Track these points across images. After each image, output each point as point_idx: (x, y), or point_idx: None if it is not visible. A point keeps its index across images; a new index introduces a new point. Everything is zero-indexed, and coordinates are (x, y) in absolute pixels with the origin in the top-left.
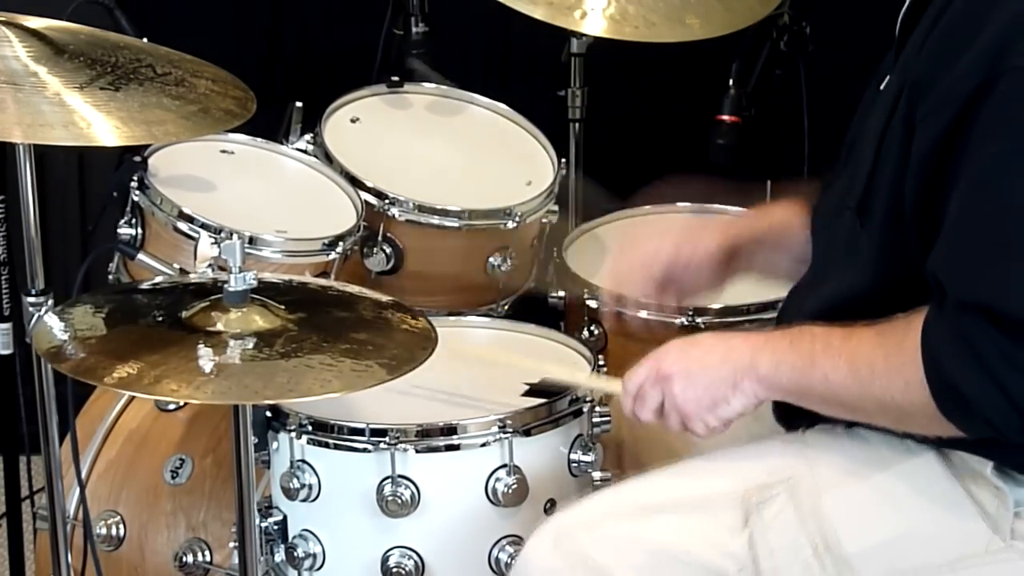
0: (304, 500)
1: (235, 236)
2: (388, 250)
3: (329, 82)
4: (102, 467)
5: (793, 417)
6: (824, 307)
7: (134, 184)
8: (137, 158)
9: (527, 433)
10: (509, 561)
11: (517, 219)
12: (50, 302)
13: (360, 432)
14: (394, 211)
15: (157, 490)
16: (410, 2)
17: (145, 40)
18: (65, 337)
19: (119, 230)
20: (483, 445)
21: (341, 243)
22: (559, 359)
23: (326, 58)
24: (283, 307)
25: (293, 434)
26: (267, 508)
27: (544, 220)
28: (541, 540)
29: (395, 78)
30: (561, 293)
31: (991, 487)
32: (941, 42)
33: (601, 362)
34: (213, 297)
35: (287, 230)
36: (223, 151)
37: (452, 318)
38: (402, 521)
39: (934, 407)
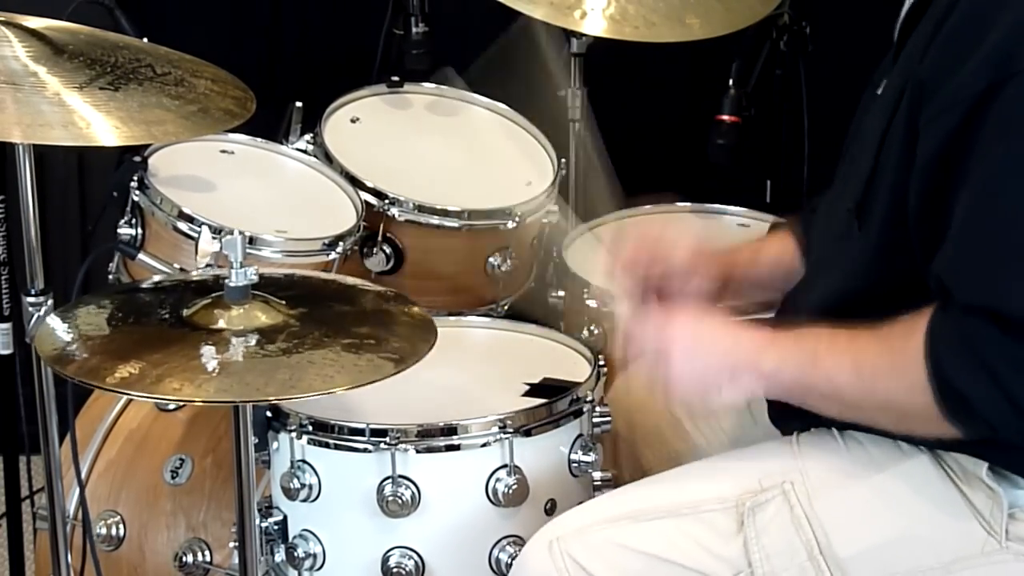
0: (304, 500)
1: (236, 232)
2: (388, 250)
3: (329, 82)
4: (102, 467)
5: (788, 420)
6: (820, 306)
7: (134, 184)
8: (137, 158)
9: (527, 433)
10: (509, 561)
11: (517, 219)
12: (50, 302)
13: (360, 432)
14: (394, 211)
15: (157, 490)
16: (410, 2)
17: (145, 40)
18: (68, 339)
19: (119, 230)
20: (483, 445)
21: (341, 243)
22: (558, 360)
23: (326, 58)
24: (284, 303)
25: (293, 434)
26: (267, 508)
27: (544, 220)
28: (536, 545)
29: (395, 78)
30: (561, 293)
31: (985, 488)
32: (946, 46)
33: (601, 362)
34: (214, 295)
35: (287, 230)
36: (223, 151)
37: (452, 318)
38: (402, 521)
39: (936, 410)
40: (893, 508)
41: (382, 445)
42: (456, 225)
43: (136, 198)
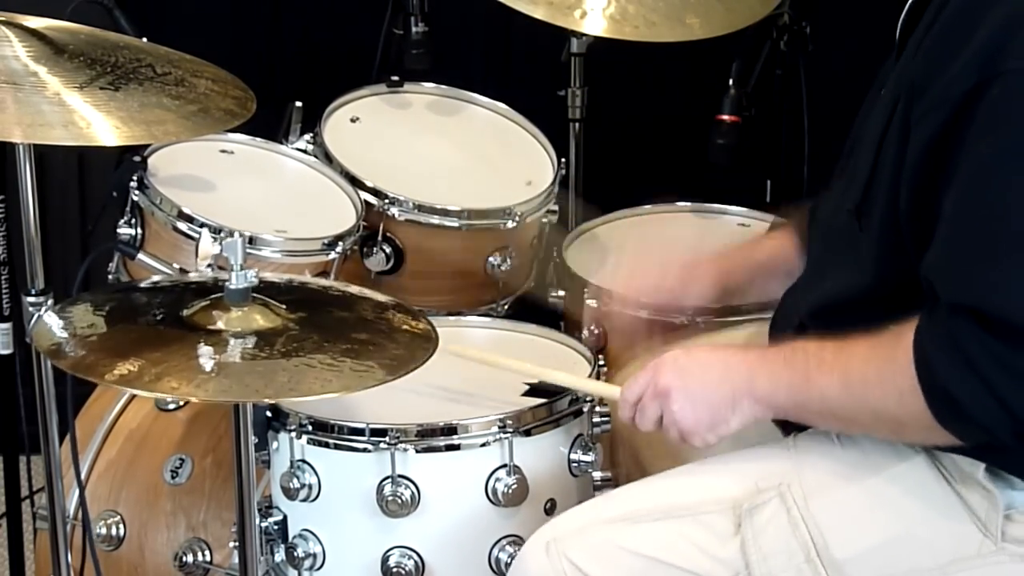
0: (304, 500)
1: (236, 234)
2: (388, 250)
3: (329, 82)
4: (102, 467)
5: (787, 421)
6: (821, 307)
7: (134, 184)
8: (137, 158)
9: (527, 433)
10: (509, 561)
11: (517, 219)
12: (50, 302)
13: (360, 432)
14: (394, 211)
15: (157, 490)
16: (410, 2)
17: (145, 40)
18: (65, 335)
19: (119, 230)
20: (483, 445)
21: (341, 243)
22: (558, 360)
23: (326, 58)
24: (284, 306)
25: (293, 434)
26: (267, 508)
27: (544, 220)
28: (534, 546)
29: (395, 78)
30: (561, 293)
31: (981, 490)
32: (935, 45)
33: (601, 362)
34: (214, 296)
35: (287, 230)
36: (223, 151)
37: (452, 318)
38: (402, 521)
39: (929, 416)
40: (890, 510)
41: (382, 445)
42: (456, 225)
43: (136, 198)
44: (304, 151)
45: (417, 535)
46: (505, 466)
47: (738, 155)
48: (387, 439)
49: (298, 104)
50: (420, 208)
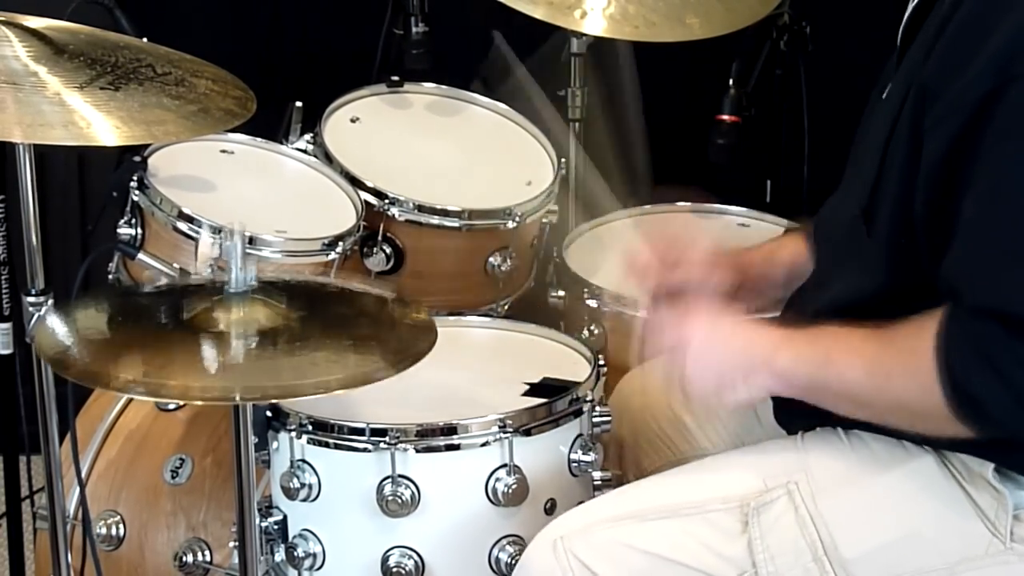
0: (304, 500)
1: (235, 235)
2: (388, 250)
3: (329, 82)
4: (102, 467)
5: (793, 419)
6: (828, 310)
7: (134, 184)
8: (137, 158)
9: (527, 433)
10: (509, 561)
11: (517, 219)
12: (50, 302)
13: (360, 432)
14: (394, 211)
15: (157, 490)
16: (410, 2)
17: (145, 40)
18: (68, 342)
19: (119, 230)
20: (483, 445)
21: (341, 243)
22: (558, 360)
23: (326, 58)
24: (284, 304)
25: (293, 434)
26: (267, 508)
27: (544, 220)
28: (540, 545)
29: (395, 78)
30: (561, 293)
31: (990, 489)
32: (949, 49)
33: (601, 362)
34: (215, 297)
35: (287, 230)
36: (223, 151)
37: (452, 318)
38: (402, 521)
39: (948, 411)
40: (898, 509)
41: (382, 445)
42: (456, 225)
43: (136, 198)
44: (304, 151)
45: (417, 535)
46: (505, 466)
47: (738, 155)
48: (387, 439)
49: (298, 104)
50: (420, 208)
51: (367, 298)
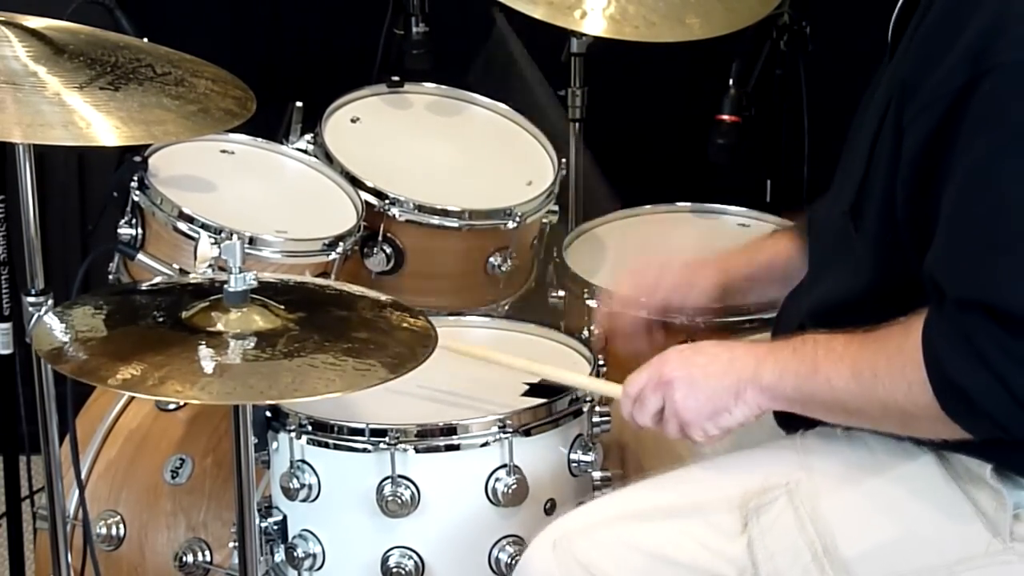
0: (304, 500)
1: (235, 236)
2: (388, 250)
3: (329, 82)
4: (102, 467)
5: (793, 420)
6: (820, 309)
7: (134, 184)
8: (137, 158)
9: (527, 433)
10: (509, 561)
11: (517, 219)
12: (50, 302)
13: (360, 432)
14: (394, 211)
15: (157, 490)
16: (410, 2)
17: (145, 40)
18: (66, 339)
19: (119, 230)
20: (483, 445)
21: (341, 243)
22: (559, 360)
23: (326, 58)
24: (283, 307)
25: (293, 434)
26: (267, 508)
27: (544, 220)
28: (541, 545)
29: (395, 78)
30: (561, 293)
31: (990, 489)
32: (924, 44)
33: (601, 362)
34: (213, 297)
35: (287, 230)
36: (223, 151)
37: (452, 318)
38: (402, 521)
39: (938, 408)
40: (897, 509)
41: (382, 445)
42: (456, 225)
43: (136, 198)
44: (304, 151)
45: (417, 535)
46: (505, 466)
47: (738, 155)
48: (387, 439)
49: (298, 104)
50: (420, 208)
51: (365, 302)
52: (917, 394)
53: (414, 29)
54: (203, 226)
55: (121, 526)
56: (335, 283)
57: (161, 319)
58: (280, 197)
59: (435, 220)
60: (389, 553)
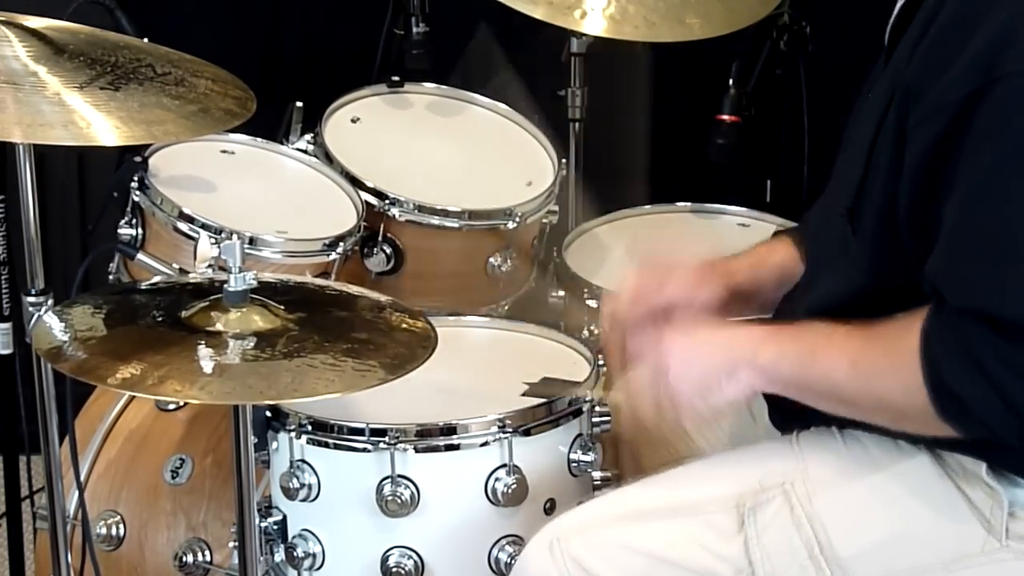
0: (304, 500)
1: (235, 236)
2: (388, 250)
3: (329, 82)
4: (102, 467)
5: (787, 420)
6: (815, 310)
7: (134, 184)
8: (137, 158)
9: (527, 433)
10: (509, 561)
11: (517, 219)
12: (50, 302)
13: (360, 432)
14: (394, 211)
15: (157, 490)
16: (410, 2)
17: (145, 40)
18: (65, 338)
19: (119, 230)
20: (483, 445)
21: (341, 243)
22: (558, 360)
23: (326, 58)
24: (283, 307)
25: (293, 434)
26: (267, 508)
27: (544, 220)
28: (537, 546)
29: (395, 78)
30: (561, 293)
31: (985, 487)
32: (932, 50)
33: (601, 362)
34: (213, 297)
35: (287, 230)
36: (223, 151)
37: (452, 318)
38: (402, 521)
39: (933, 411)
40: (893, 507)
41: (381, 445)
42: (456, 225)
43: (136, 198)
44: (304, 151)
45: (417, 535)
46: (505, 466)
47: (738, 155)
48: (387, 439)
49: (298, 104)
50: (420, 209)
51: (364, 302)
52: (913, 395)
53: (414, 29)
54: (203, 226)
55: (121, 526)
56: (335, 283)
57: (161, 319)
58: (280, 197)
59: (435, 220)
60: (389, 553)
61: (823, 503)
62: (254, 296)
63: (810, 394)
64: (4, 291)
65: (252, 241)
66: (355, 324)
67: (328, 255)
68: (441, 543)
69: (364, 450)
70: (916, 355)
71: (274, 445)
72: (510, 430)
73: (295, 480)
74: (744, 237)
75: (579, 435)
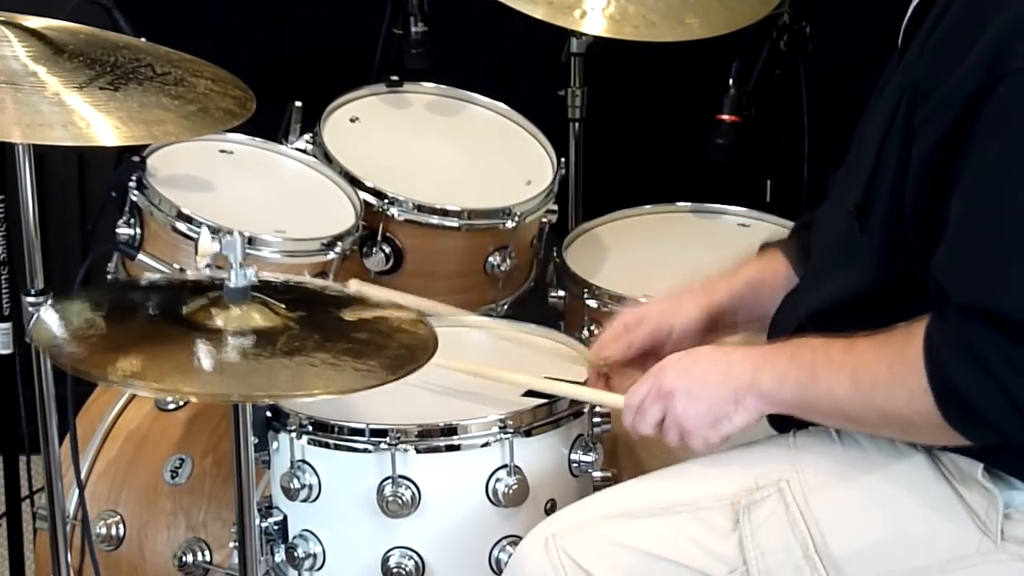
0: (304, 500)
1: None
2: (387, 250)
3: (328, 82)
4: (102, 467)
5: (785, 419)
6: (822, 309)
7: (133, 184)
8: (136, 158)
9: (528, 433)
10: (510, 561)
11: (517, 219)
12: (49, 302)
13: (360, 432)
14: (393, 211)
15: (157, 490)
16: (410, 2)
17: (144, 40)
18: (65, 333)
19: (118, 230)
20: (484, 445)
21: (340, 243)
22: (558, 360)
23: (325, 58)
24: (283, 306)
25: (293, 434)
26: (267, 508)
27: (543, 220)
28: (532, 543)
29: (395, 78)
30: (561, 293)
31: (981, 489)
32: (940, 46)
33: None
34: (213, 294)
35: (286, 230)
36: (222, 151)
37: (452, 317)
38: (402, 521)
39: (939, 416)
40: (889, 508)
41: (382, 445)
42: (456, 225)
43: (135, 198)
44: (304, 151)
45: (417, 535)
46: (505, 466)
47: (738, 155)
48: (387, 439)
49: (298, 104)
50: (420, 208)
51: (364, 302)
52: (918, 402)
53: (413, 29)
54: (202, 226)
55: (121, 526)
56: (334, 283)
57: (161, 315)
58: (279, 197)
59: (434, 220)
60: (389, 553)
61: (818, 502)
62: (255, 294)
63: (815, 413)
64: (4, 291)
65: (251, 240)
66: (355, 324)
67: (327, 255)
68: (442, 543)
69: (365, 450)
70: (920, 360)
71: (275, 445)
72: (511, 430)
73: (296, 480)
74: (744, 237)
75: (580, 435)
